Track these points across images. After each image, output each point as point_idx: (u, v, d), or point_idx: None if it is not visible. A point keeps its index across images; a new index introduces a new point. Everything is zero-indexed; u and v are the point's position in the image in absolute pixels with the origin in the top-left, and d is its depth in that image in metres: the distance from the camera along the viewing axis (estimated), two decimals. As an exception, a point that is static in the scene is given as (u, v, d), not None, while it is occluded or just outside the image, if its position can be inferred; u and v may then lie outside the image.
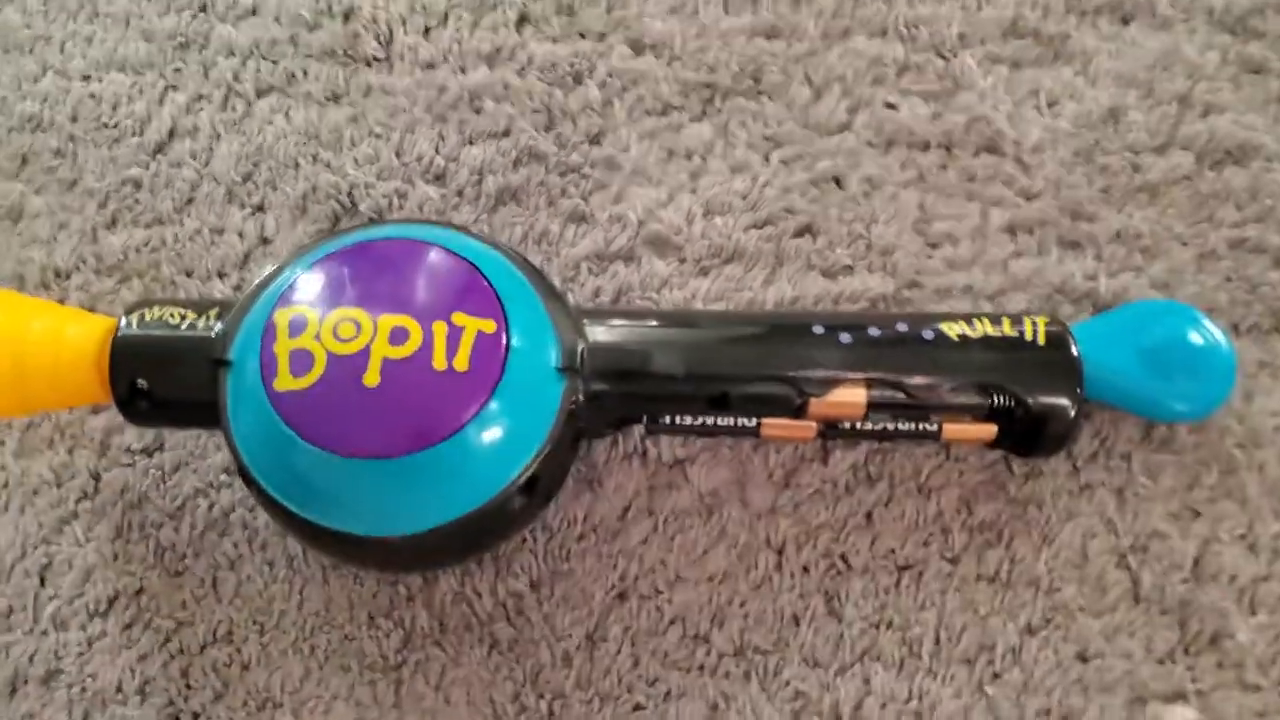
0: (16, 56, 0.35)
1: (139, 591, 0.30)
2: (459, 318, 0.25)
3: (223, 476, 0.31)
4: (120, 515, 0.31)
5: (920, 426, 0.26)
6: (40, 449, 0.32)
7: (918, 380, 0.26)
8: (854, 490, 0.29)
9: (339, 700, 0.29)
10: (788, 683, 0.28)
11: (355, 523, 0.25)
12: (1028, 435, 0.26)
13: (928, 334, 0.26)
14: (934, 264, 0.30)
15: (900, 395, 0.26)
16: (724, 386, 0.26)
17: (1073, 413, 0.26)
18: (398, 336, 0.24)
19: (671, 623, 0.28)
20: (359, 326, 0.24)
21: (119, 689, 0.30)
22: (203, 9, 0.35)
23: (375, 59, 0.33)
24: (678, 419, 0.27)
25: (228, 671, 0.29)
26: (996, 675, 0.27)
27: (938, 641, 0.28)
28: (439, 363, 0.24)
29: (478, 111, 0.33)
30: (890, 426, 0.26)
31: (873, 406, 0.26)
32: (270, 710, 0.29)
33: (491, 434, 0.24)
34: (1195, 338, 0.27)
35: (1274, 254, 0.29)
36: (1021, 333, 0.26)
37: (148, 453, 0.31)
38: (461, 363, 0.24)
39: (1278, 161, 0.30)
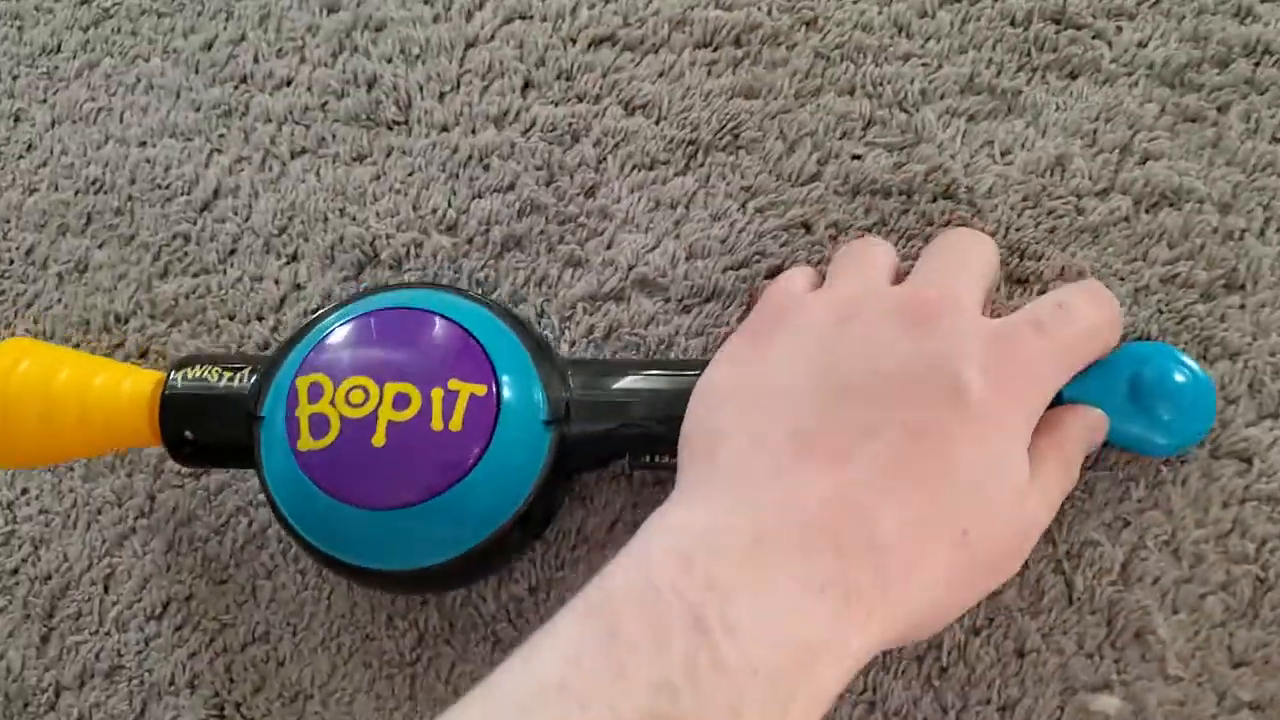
0: (82, 126, 0.43)
1: (189, 597, 0.38)
2: (454, 384, 0.32)
3: (260, 497, 0.38)
4: (172, 531, 0.39)
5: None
6: (104, 473, 0.40)
7: None
8: (817, 504, 0.35)
9: (360, 693, 0.36)
10: (757, 676, 0.34)
11: (370, 559, 0.32)
12: None
13: None
14: (892, 300, 0.37)
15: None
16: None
17: None
18: (400, 402, 0.31)
19: (654, 623, 0.35)
20: (367, 393, 0.31)
21: (171, 682, 0.37)
22: (244, 79, 0.43)
23: (395, 123, 0.41)
24: (656, 458, 0.34)
25: (265, 667, 0.37)
26: (944, 670, 0.34)
27: (891, 640, 0.34)
28: (437, 424, 0.31)
29: (486, 168, 0.40)
30: None
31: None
32: (302, 701, 0.36)
33: (486, 484, 0.31)
34: (1178, 376, 0.33)
35: (1201, 288, 0.35)
36: None
37: (195, 476, 0.39)
38: (456, 424, 0.31)
39: (1208, 204, 0.36)
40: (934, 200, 0.38)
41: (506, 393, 0.32)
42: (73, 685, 0.38)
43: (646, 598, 0.23)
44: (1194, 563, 0.33)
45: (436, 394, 0.31)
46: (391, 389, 0.31)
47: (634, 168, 0.40)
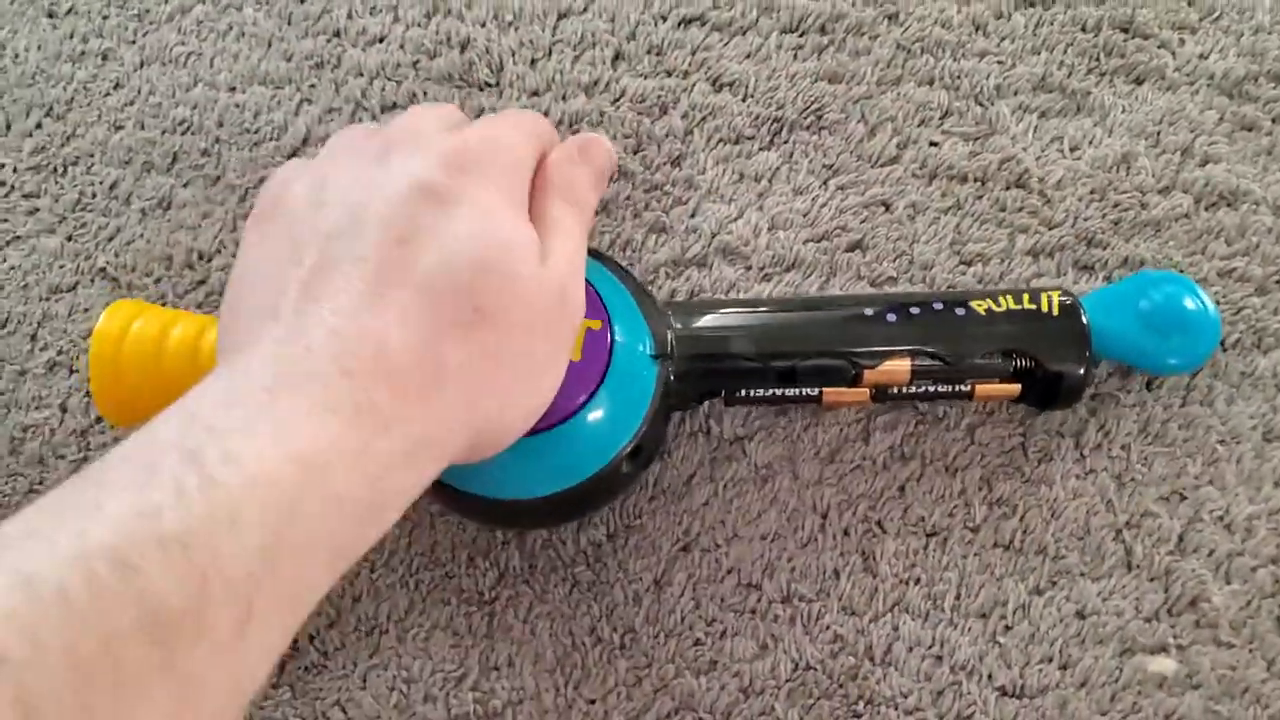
0: (172, 69, 0.44)
1: (264, 531, 0.39)
2: None
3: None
4: (248, 466, 0.39)
5: (956, 388, 0.35)
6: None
7: (952, 350, 0.34)
8: (890, 466, 0.37)
9: (438, 629, 0.37)
10: (828, 627, 0.36)
11: (495, 489, 0.33)
12: (1046, 392, 0.35)
13: (960, 311, 0.35)
14: (966, 279, 0.39)
15: (938, 363, 0.34)
16: (790, 363, 0.34)
17: (1082, 371, 0.34)
18: None
19: (729, 572, 0.37)
20: None
21: (244, 613, 0.38)
22: (336, 34, 0.44)
23: (487, 84, 0.43)
24: (752, 392, 0.35)
25: (340, 601, 0.38)
26: (1008, 627, 0.35)
27: (958, 597, 0.36)
28: None
29: (575, 134, 0.42)
30: (931, 389, 0.35)
31: (916, 374, 0.34)
32: (378, 635, 0.37)
33: (602, 413, 0.32)
34: (1187, 303, 0.35)
35: (1256, 283, 0.38)
36: (1039, 306, 0.35)
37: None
38: (575, 354, 0.33)
39: (1264, 206, 0.39)
40: (1007, 188, 0.40)
41: (618, 328, 0.33)
42: (142, 612, 0.38)
43: (139, 445, 0.23)
44: (1246, 537, 0.36)
45: None
46: None
47: (720, 141, 0.41)
